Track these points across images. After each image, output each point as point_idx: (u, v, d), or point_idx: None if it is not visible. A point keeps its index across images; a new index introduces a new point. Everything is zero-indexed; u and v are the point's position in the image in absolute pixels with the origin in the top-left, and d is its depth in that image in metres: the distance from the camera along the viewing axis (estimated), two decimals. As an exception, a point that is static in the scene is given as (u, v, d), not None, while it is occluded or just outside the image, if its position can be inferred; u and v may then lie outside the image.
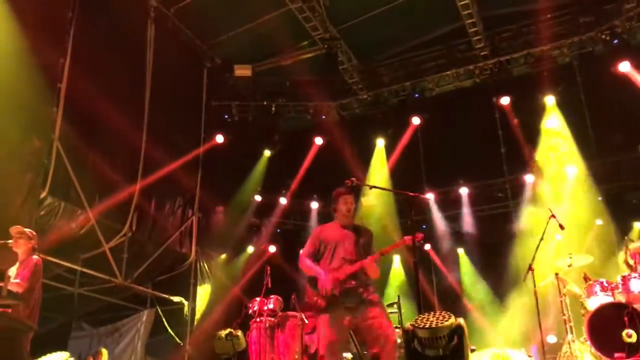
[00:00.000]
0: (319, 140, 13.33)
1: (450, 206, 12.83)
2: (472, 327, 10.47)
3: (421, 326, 4.38)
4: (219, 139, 12.25)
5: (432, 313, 4.51)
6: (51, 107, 8.53)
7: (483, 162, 12.31)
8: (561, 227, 7.12)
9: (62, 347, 8.83)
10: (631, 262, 7.27)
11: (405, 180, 12.11)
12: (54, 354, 6.75)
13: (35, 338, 5.68)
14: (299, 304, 8.03)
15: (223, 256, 12.52)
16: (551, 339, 8.91)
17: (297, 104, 13.54)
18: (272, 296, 8.40)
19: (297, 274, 12.88)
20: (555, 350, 7.53)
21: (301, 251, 5.48)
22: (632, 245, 7.36)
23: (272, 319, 8.13)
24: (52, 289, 8.44)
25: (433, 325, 4.33)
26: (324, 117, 13.66)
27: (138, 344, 10.57)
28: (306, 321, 8.02)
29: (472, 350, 6.87)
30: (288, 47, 12.32)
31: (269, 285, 8.06)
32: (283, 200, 13.45)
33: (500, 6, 11.84)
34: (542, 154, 11.65)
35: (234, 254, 12.82)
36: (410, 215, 5.54)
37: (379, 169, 12.99)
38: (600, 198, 11.08)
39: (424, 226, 12.59)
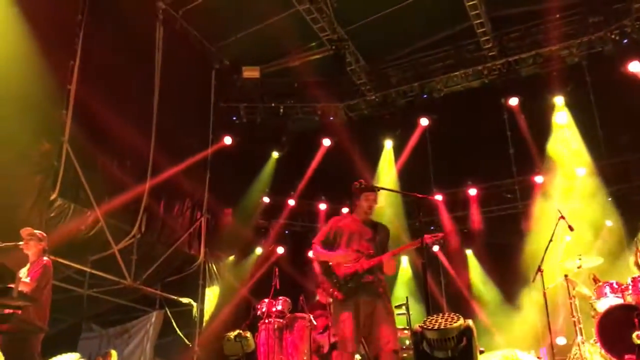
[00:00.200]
0: (326, 142, 13.33)
1: (458, 207, 12.78)
2: (481, 328, 10.43)
3: (430, 327, 4.38)
4: (227, 140, 12.27)
5: (441, 314, 4.51)
6: (61, 109, 8.58)
7: (491, 163, 12.26)
8: (570, 228, 7.08)
9: (72, 348, 8.91)
10: (642, 263, 7.21)
11: (413, 182, 12.09)
12: (65, 355, 6.79)
13: (45, 339, 5.72)
14: (307, 305, 8.04)
15: (231, 258, 12.54)
16: (560, 340, 8.87)
17: (305, 106, 13.54)
18: (280, 297, 8.42)
19: (305, 275, 12.94)
20: (565, 352, 7.49)
21: (314, 239, 5.45)
22: (642, 247, 7.31)
23: (281, 321, 8.13)
24: (61, 290, 8.48)
25: (442, 327, 4.34)
26: (331, 118, 13.65)
27: (147, 345, 10.60)
28: (314, 322, 8.03)
29: (481, 352, 6.84)
30: (296, 49, 12.36)
31: (277, 287, 8.08)
32: (291, 202, 13.45)
33: (509, 6, 11.79)
34: (552, 154, 11.57)
35: (242, 256, 12.83)
36: (419, 216, 5.55)
37: (387, 170, 12.97)
38: (609, 199, 11.01)
39: (432, 227, 12.56)
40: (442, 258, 12.55)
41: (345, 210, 13.12)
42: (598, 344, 6.52)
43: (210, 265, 11.70)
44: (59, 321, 9.68)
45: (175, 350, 10.92)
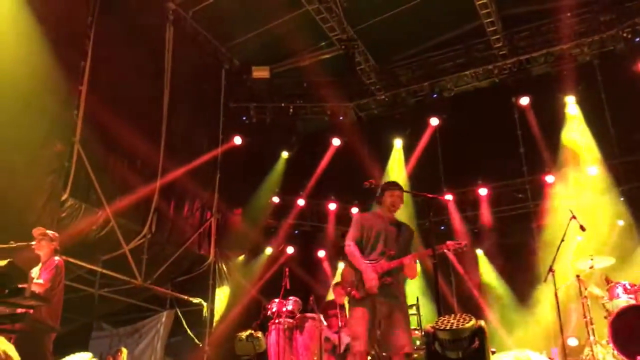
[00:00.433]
0: (336, 141, 13.32)
1: (469, 207, 12.73)
2: (492, 329, 10.39)
3: (442, 328, 4.37)
4: (237, 140, 12.31)
5: (453, 315, 4.49)
6: (72, 110, 8.64)
7: (502, 163, 12.21)
8: (582, 228, 7.04)
9: (83, 347, 8.95)
10: (654, 263, 7.17)
11: (423, 181, 12.06)
12: (78, 354, 6.81)
13: (56, 338, 5.75)
14: (318, 306, 8.03)
15: (241, 258, 12.56)
16: (572, 341, 8.81)
17: (314, 105, 13.54)
18: (290, 297, 8.41)
19: (315, 275, 12.95)
20: (577, 352, 7.45)
21: (347, 236, 5.30)
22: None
23: (291, 321, 8.13)
24: (73, 290, 8.52)
25: (454, 327, 4.32)
26: (341, 118, 13.65)
27: (158, 344, 10.64)
28: (324, 323, 8.02)
29: (492, 353, 6.81)
30: (305, 48, 12.36)
31: (288, 287, 8.08)
32: (301, 202, 13.45)
33: (519, 5, 11.74)
34: (566, 142, 11.48)
35: (252, 256, 12.85)
36: (429, 216, 5.52)
37: (397, 170, 12.94)
38: (621, 198, 10.93)
39: (442, 227, 12.52)
40: (452, 258, 12.49)
41: (354, 209, 13.20)
42: (611, 345, 6.48)
43: (220, 265, 11.73)
44: (70, 321, 9.72)
45: (186, 349, 10.95)
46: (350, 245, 5.20)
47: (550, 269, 6.84)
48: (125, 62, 9.57)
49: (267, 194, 13.09)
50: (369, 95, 13.31)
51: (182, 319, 10.94)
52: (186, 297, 11.06)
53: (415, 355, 7.04)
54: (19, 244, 5.61)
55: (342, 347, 7.53)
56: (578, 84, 11.53)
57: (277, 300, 8.31)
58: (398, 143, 13.23)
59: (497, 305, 11.66)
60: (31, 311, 5.23)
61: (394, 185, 5.43)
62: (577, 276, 7.36)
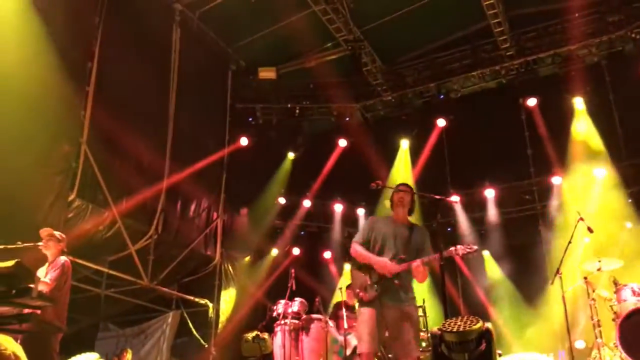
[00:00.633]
0: (342, 142, 13.31)
1: (476, 208, 12.69)
2: (499, 331, 10.34)
3: (449, 330, 4.35)
4: (243, 141, 12.32)
5: (460, 317, 4.47)
6: (79, 111, 8.66)
7: (509, 164, 12.15)
8: (590, 230, 7.00)
9: (89, 348, 8.96)
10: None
11: (430, 183, 12.01)
12: (84, 354, 6.83)
13: (63, 339, 5.76)
14: (324, 308, 8.02)
15: (247, 258, 12.56)
16: (579, 344, 8.75)
17: (321, 106, 13.53)
18: (296, 299, 8.40)
19: (321, 276, 12.93)
20: (584, 355, 7.41)
21: (354, 238, 5.33)
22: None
23: (297, 322, 8.12)
24: (79, 290, 8.56)
25: (461, 329, 4.30)
26: (347, 119, 13.63)
27: (163, 345, 10.65)
28: (331, 324, 8.01)
29: (499, 355, 6.79)
30: (312, 49, 12.35)
31: (294, 288, 8.07)
32: (307, 203, 13.44)
33: (526, 5, 11.70)
34: (576, 136, 11.41)
35: (258, 257, 12.85)
36: (436, 218, 5.51)
37: (404, 171, 12.90)
38: (629, 200, 10.86)
39: (449, 229, 12.48)
40: (459, 259, 12.43)
41: (361, 210, 13.18)
42: (619, 347, 6.44)
43: (226, 266, 11.73)
44: (77, 321, 9.76)
45: (192, 350, 10.96)
46: (355, 246, 5.20)
47: (558, 271, 6.80)
48: (132, 63, 9.60)
49: (273, 195, 13.08)
50: (376, 96, 13.28)
51: (188, 320, 10.95)
52: (192, 298, 11.07)
53: (422, 357, 7.03)
54: (26, 244, 5.63)
55: (350, 350, 7.51)
56: (586, 85, 11.47)
57: (282, 301, 8.31)
58: (404, 144, 13.19)
59: (504, 308, 11.61)
60: (38, 312, 5.24)
61: (398, 185, 5.44)
62: (585, 278, 7.32)
